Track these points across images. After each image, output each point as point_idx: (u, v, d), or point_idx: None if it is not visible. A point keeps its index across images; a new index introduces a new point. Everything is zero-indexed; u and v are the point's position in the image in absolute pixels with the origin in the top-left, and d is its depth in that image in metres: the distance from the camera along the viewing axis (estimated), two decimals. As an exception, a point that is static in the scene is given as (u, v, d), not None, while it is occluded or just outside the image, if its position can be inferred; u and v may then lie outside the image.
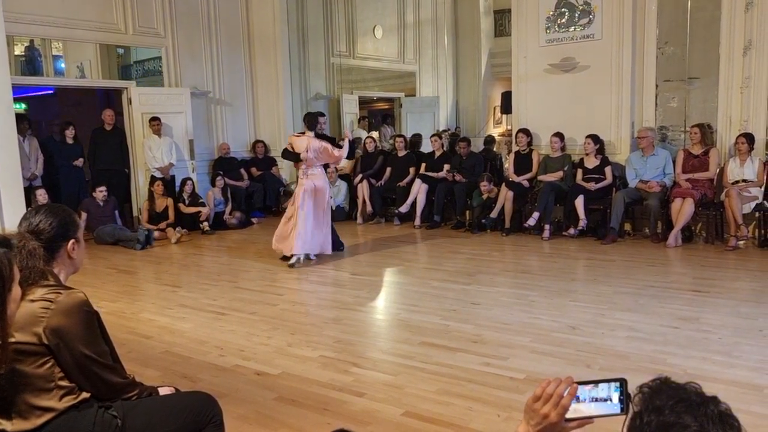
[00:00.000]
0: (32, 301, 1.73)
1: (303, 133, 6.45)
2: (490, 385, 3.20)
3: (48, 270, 1.83)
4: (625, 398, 1.20)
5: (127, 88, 8.91)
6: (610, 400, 1.21)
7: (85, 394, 1.82)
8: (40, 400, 1.75)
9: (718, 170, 6.76)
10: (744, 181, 6.48)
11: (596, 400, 1.22)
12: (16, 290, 1.53)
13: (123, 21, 8.66)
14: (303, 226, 6.17)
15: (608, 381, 1.22)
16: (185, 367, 3.64)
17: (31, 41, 8.62)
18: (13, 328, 1.66)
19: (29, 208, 1.97)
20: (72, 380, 1.79)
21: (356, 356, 3.73)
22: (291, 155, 6.48)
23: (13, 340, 1.67)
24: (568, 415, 1.22)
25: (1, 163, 4.09)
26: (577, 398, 1.22)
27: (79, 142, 8.67)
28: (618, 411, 1.20)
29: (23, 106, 11.25)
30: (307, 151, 6.24)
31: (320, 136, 6.40)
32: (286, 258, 6.31)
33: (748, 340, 3.71)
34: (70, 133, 8.50)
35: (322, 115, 6.75)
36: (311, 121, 6.44)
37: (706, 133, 6.83)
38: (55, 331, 1.73)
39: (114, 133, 8.78)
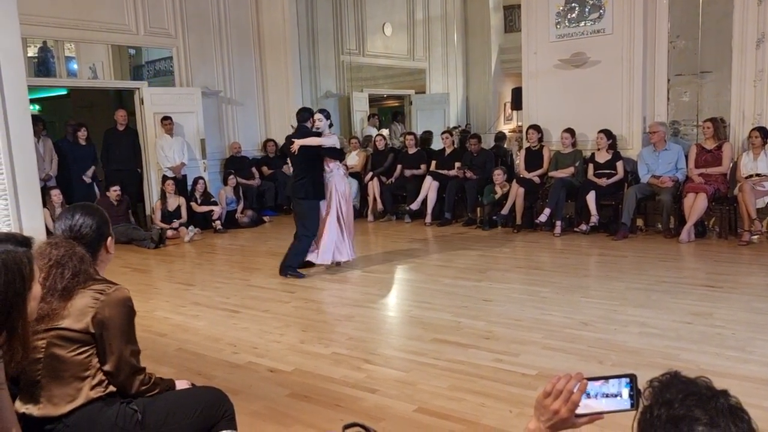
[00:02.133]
0: (85, 293, 1.85)
1: (311, 130, 5.88)
2: (501, 381, 3.21)
3: (94, 270, 1.95)
4: (635, 394, 1.21)
5: (138, 88, 8.99)
6: (620, 395, 1.22)
7: (112, 388, 1.90)
8: (71, 387, 1.84)
9: (731, 165, 6.71)
10: (758, 175, 6.42)
11: (606, 395, 1.23)
12: (36, 288, 1.56)
13: (134, 22, 8.74)
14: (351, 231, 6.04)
15: (618, 377, 1.23)
16: (199, 364, 3.68)
17: (44, 43, 8.70)
18: (64, 315, 1.81)
19: (64, 211, 2.06)
20: (103, 373, 1.88)
21: (368, 353, 3.75)
22: (335, 151, 5.91)
23: (62, 325, 1.81)
24: (579, 411, 1.23)
25: (18, 164, 4.14)
26: (588, 394, 1.23)
27: (91, 143, 8.76)
28: (628, 407, 1.21)
29: (37, 107, 11.38)
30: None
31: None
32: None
33: (762, 336, 3.69)
34: (82, 134, 8.58)
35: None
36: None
37: (719, 127, 6.78)
38: (101, 321, 1.84)
39: (126, 133, 8.87)
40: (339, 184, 5.90)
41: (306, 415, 2.93)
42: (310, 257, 5.95)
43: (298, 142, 5.72)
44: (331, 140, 5.86)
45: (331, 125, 6.01)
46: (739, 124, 6.86)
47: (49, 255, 1.82)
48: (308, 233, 5.80)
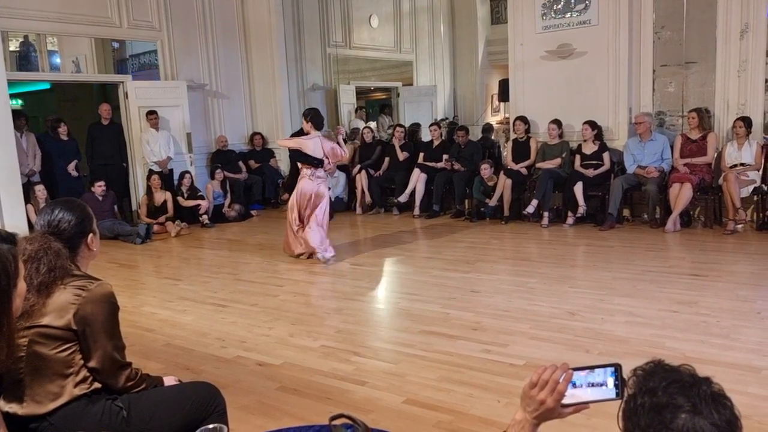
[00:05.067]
0: (65, 289, 1.82)
1: (303, 132, 6.18)
2: (490, 371, 3.22)
3: (74, 265, 1.92)
4: (620, 383, 1.21)
5: (123, 82, 8.89)
6: (606, 385, 1.23)
7: (97, 384, 1.88)
8: (55, 385, 1.82)
9: (716, 154, 6.77)
10: (742, 164, 6.49)
11: (592, 385, 1.24)
12: (21, 285, 1.54)
13: (117, 15, 8.63)
14: (322, 228, 6.08)
15: (603, 366, 1.24)
16: (187, 359, 3.67)
17: (26, 37, 8.58)
18: (45, 312, 1.79)
19: (45, 206, 2.03)
20: (88, 369, 1.86)
21: (357, 345, 3.76)
22: (309, 158, 6.00)
23: (42, 323, 1.79)
24: (565, 401, 1.23)
25: (-2, 160, 4.09)
26: (573, 384, 1.24)
27: (73, 138, 8.65)
28: (613, 396, 1.22)
29: (20, 102, 11.23)
30: (324, 155, 6.02)
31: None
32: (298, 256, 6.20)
33: (747, 323, 3.73)
34: (63, 130, 8.47)
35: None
36: (318, 119, 6.12)
37: (704, 117, 6.83)
38: (84, 318, 1.82)
39: (111, 128, 8.77)
40: (305, 186, 6.07)
41: (295, 409, 2.93)
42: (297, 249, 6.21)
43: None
44: (311, 143, 5.97)
45: (319, 127, 6.10)
46: (724, 114, 6.91)
47: (23, 250, 1.78)
48: None
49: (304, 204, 6.06)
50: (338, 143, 6.20)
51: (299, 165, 6.18)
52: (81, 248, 1.99)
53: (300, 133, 6.30)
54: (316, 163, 5.99)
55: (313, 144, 5.99)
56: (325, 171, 6.16)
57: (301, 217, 6.11)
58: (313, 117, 6.08)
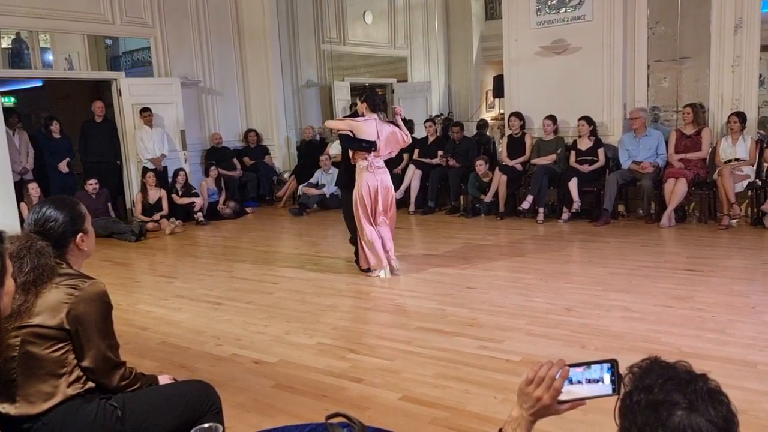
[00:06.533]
0: (57, 288, 1.80)
1: (357, 115, 5.33)
2: (486, 368, 3.22)
3: (64, 262, 1.89)
4: (616, 379, 1.21)
5: (116, 79, 8.84)
6: (602, 381, 1.23)
7: (91, 384, 1.87)
8: (48, 385, 1.80)
9: (710, 150, 6.78)
10: (736, 159, 6.51)
11: (588, 381, 1.24)
12: (9, 283, 1.52)
13: (110, 11, 8.57)
14: (389, 232, 5.34)
15: (600, 362, 1.23)
16: (182, 357, 3.66)
17: (18, 34, 8.52)
18: (36, 312, 1.76)
19: (36, 204, 1.99)
20: (81, 369, 1.84)
21: (353, 342, 3.75)
22: (358, 142, 5.11)
23: (34, 322, 1.77)
24: (561, 397, 1.23)
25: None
26: (570, 380, 1.23)
27: (66, 135, 8.60)
28: (610, 392, 1.21)
29: (12, 99, 11.16)
30: (378, 138, 5.11)
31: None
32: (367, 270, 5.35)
33: (741, 318, 3.74)
34: (55, 128, 8.42)
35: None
36: (375, 99, 5.30)
37: (699, 112, 6.84)
38: (77, 317, 1.80)
39: (104, 125, 8.72)
40: (367, 181, 5.17)
41: (291, 406, 2.92)
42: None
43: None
44: (366, 126, 5.10)
45: (376, 108, 5.23)
46: (718, 110, 6.93)
47: (5, 250, 1.76)
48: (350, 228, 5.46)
49: (372, 202, 5.20)
50: (398, 126, 5.31)
51: (350, 154, 5.26)
52: (70, 247, 1.95)
53: (354, 116, 5.43)
54: (365, 146, 5.07)
55: (368, 127, 5.09)
56: (378, 157, 5.17)
57: (373, 217, 5.26)
58: (369, 96, 5.28)
